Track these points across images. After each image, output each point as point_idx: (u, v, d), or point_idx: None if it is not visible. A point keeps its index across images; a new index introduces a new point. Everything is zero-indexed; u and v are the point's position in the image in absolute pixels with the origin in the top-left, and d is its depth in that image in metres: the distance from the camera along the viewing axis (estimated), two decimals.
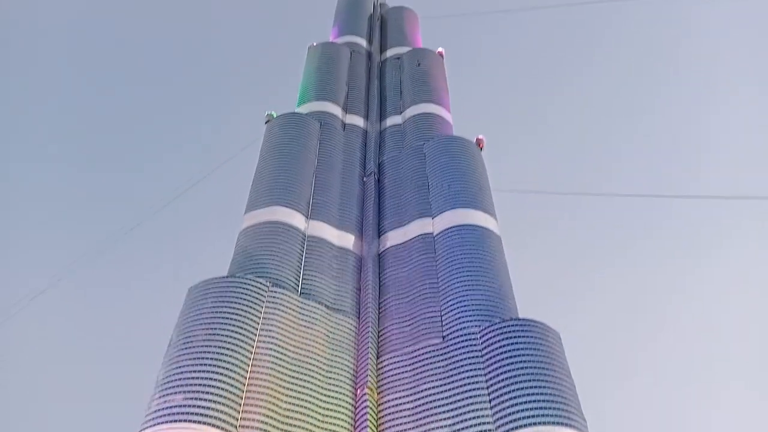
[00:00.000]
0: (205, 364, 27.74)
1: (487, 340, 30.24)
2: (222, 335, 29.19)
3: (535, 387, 27.09)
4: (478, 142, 47.16)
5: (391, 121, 52.87)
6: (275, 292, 32.90)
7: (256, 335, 30.19)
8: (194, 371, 27.47)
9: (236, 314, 30.36)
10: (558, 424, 25.88)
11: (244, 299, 31.29)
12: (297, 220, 39.28)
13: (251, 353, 29.34)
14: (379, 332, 34.57)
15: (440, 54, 61.79)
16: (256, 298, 31.77)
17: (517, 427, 26.07)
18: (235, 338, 29.27)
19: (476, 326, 31.42)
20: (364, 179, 46.40)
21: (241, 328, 29.88)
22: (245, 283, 32.23)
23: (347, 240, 40.53)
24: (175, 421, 25.70)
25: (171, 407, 26.17)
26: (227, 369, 27.84)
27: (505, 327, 30.42)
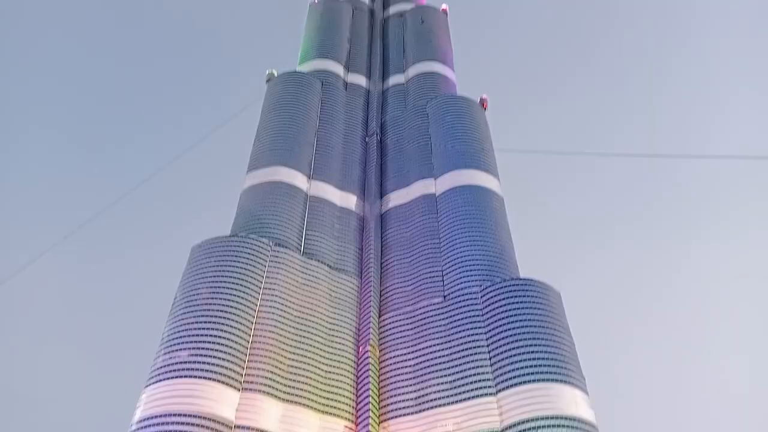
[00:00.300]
0: (209, 322, 28.10)
1: (488, 299, 30.49)
2: (225, 294, 29.46)
3: (535, 345, 27.44)
4: (482, 102, 46.51)
5: (394, 80, 52.07)
6: (278, 251, 33.06)
7: (259, 294, 30.47)
8: (198, 328, 27.84)
9: (239, 273, 30.58)
10: (556, 381, 26.31)
11: (247, 259, 31.47)
12: (299, 180, 39.16)
13: (254, 311, 29.67)
14: (381, 291, 34.85)
15: (444, 11, 60.44)
16: (259, 258, 31.94)
17: (516, 384, 26.52)
18: (238, 297, 29.56)
19: (477, 285, 31.64)
20: (366, 139, 46.01)
21: (244, 286, 30.13)
22: (248, 243, 32.35)
23: (349, 200, 40.48)
24: (181, 376, 26.17)
25: (176, 363, 26.61)
26: (231, 326, 28.19)
27: (505, 286, 30.64)
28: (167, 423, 24.58)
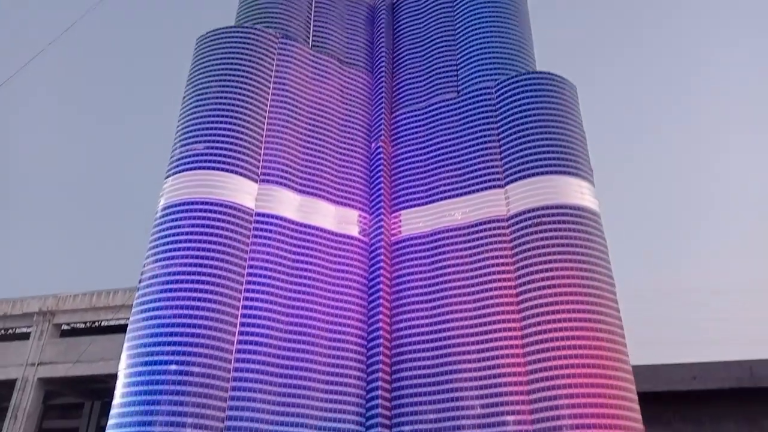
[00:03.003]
0: (221, 115, 28.13)
1: (502, 94, 29.98)
2: (235, 87, 29.02)
3: (545, 139, 27.62)
4: None
5: None
6: (286, 43, 31.82)
7: (269, 87, 30.03)
8: (211, 122, 27.98)
9: (247, 66, 29.79)
10: (563, 173, 26.94)
11: (255, 51, 30.40)
12: None
13: (266, 105, 29.52)
14: (392, 87, 34.26)
15: None
16: (267, 50, 30.86)
17: (524, 177, 27.25)
18: (248, 90, 29.16)
19: (492, 81, 30.90)
20: None
21: (254, 80, 29.58)
22: (254, 34, 30.98)
23: None
24: (200, 168, 26.99)
25: (193, 155, 27.27)
26: (243, 119, 28.30)
27: (521, 80, 29.91)
28: (191, 210, 25.93)
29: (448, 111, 31.35)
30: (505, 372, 24.14)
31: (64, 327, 42.00)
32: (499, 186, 27.91)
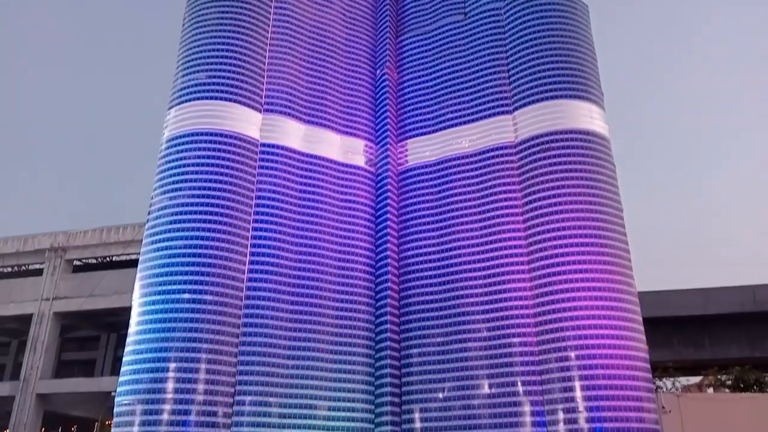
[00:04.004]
0: (222, 44, 27.42)
1: (512, 15, 28.91)
2: (234, 14, 28.11)
3: (556, 61, 26.88)
4: None
5: None
6: None
7: (270, 13, 29.12)
8: (212, 50, 27.30)
9: None
10: (573, 97, 26.38)
11: None
12: None
13: (267, 32, 28.71)
14: (398, 10, 33.14)
15: None
16: None
17: (533, 102, 26.73)
18: (248, 17, 28.24)
19: (501, 0, 29.76)
20: None
21: (254, 5, 28.63)
22: None
23: None
24: (203, 98, 26.56)
25: (196, 84, 26.79)
26: (245, 47, 27.59)
27: (531, 0, 28.74)
28: (196, 141, 25.71)
29: (455, 34, 30.40)
30: (511, 296, 24.52)
31: (76, 263, 42.62)
32: (508, 112, 27.44)
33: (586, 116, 25.94)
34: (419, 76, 30.48)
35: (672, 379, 41.57)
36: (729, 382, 37.21)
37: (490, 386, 23.75)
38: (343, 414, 24.47)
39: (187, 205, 24.57)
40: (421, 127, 29.49)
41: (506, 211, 25.73)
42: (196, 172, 25.10)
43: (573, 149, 25.26)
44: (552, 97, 26.35)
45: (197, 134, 25.84)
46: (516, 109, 27.21)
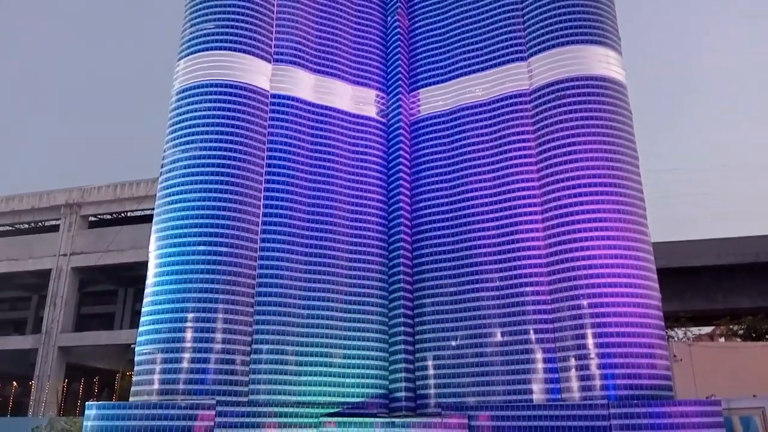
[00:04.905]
0: None
1: None
2: None
3: (572, 5, 26.14)
4: None
5: None
6: None
7: None
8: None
9: None
10: (589, 42, 25.75)
11: None
12: None
13: None
14: None
15: None
16: None
17: (548, 48, 26.13)
18: None
19: None
20: None
21: None
22: None
23: None
24: (211, 49, 26.22)
25: (204, 35, 26.41)
26: None
27: None
28: (207, 93, 25.49)
29: None
30: (524, 245, 24.52)
31: (92, 218, 43.16)
32: (522, 59, 26.86)
33: (602, 62, 25.32)
34: (431, 23, 29.81)
35: (684, 329, 41.87)
36: (741, 332, 37.43)
37: (503, 334, 23.99)
38: (357, 362, 24.93)
39: (199, 157, 24.54)
40: (434, 76, 29.01)
41: (520, 160, 25.49)
42: (208, 124, 24.98)
43: (588, 96, 24.78)
44: (568, 42, 25.67)
45: (208, 86, 25.60)
46: (531, 55, 26.61)
